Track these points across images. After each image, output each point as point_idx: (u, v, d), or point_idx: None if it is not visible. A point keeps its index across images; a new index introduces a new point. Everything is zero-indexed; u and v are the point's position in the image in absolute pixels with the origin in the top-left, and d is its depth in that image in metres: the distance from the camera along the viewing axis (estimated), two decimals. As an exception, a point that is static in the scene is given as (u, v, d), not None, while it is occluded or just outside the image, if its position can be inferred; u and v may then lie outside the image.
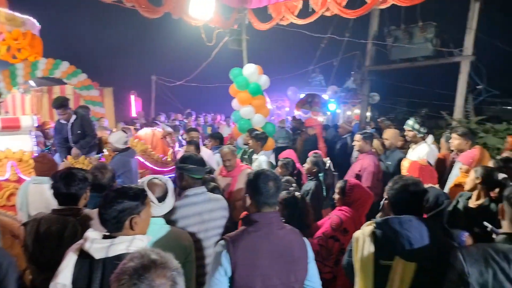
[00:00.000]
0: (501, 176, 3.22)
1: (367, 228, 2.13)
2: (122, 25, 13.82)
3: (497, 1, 9.54)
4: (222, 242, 1.94)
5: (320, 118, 12.68)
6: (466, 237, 2.82)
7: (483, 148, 4.58)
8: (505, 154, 4.29)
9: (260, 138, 5.45)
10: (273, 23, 7.26)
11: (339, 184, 3.22)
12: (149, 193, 2.29)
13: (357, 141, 5.01)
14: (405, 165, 4.68)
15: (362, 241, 2.08)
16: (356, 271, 2.11)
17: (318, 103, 11.23)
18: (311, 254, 2.09)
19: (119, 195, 1.85)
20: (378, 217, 2.26)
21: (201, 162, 2.96)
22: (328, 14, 6.67)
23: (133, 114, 12.71)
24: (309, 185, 4.42)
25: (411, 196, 2.10)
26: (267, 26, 7.36)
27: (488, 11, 9.02)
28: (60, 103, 5.45)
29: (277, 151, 7.57)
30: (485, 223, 2.24)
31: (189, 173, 2.87)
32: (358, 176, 4.76)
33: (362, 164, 4.83)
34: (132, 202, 1.85)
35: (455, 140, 4.77)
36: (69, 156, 4.92)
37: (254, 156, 5.43)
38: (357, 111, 12.95)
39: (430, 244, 1.98)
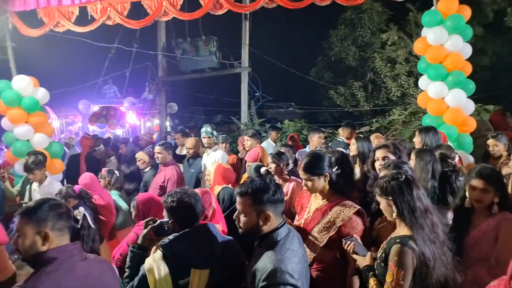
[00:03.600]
0: (263, 169, 3.83)
1: (157, 254, 2.05)
2: None
3: (264, 21, 11.35)
4: None
5: (119, 131, 12.13)
6: None
7: (262, 147, 5.35)
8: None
9: (35, 165, 4.50)
10: (45, 29, 6.33)
11: (132, 203, 3.17)
12: None
13: (159, 152, 4.93)
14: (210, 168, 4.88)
15: (157, 270, 1.99)
16: None
17: (114, 116, 10.69)
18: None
19: None
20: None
21: None
22: (110, 23, 6.31)
23: None
24: None
25: (191, 208, 2.19)
26: (38, 33, 6.37)
27: (258, 30, 10.67)
28: None
29: (68, 172, 6.70)
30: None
31: None
32: (163, 188, 4.73)
33: (166, 175, 4.81)
34: None
35: (248, 141, 5.41)
36: None
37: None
38: (157, 121, 12.96)
39: (217, 247, 2.11)
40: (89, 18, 6.38)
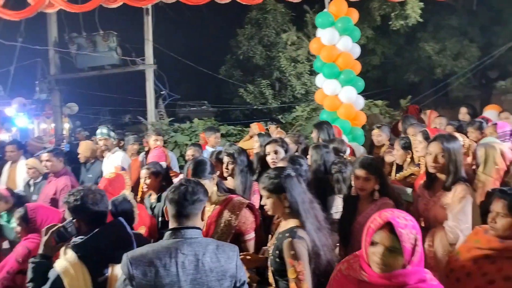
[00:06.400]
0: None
1: (70, 256, 1.95)
2: None
3: (171, 18, 11.02)
4: None
5: (4, 136, 10.73)
6: None
7: (164, 148, 5.22)
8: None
9: None
10: None
11: (17, 214, 2.84)
12: None
13: (47, 160, 4.30)
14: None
15: (74, 271, 1.91)
16: None
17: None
18: None
19: None
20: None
21: None
22: (-19, 13, 5.58)
23: None
24: None
25: (97, 204, 2.11)
26: None
27: (164, 27, 10.32)
28: None
29: None
30: None
31: None
32: (54, 200, 4.13)
33: (57, 186, 4.26)
34: None
35: (151, 141, 5.23)
36: None
37: None
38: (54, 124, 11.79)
39: (132, 240, 2.12)
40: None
